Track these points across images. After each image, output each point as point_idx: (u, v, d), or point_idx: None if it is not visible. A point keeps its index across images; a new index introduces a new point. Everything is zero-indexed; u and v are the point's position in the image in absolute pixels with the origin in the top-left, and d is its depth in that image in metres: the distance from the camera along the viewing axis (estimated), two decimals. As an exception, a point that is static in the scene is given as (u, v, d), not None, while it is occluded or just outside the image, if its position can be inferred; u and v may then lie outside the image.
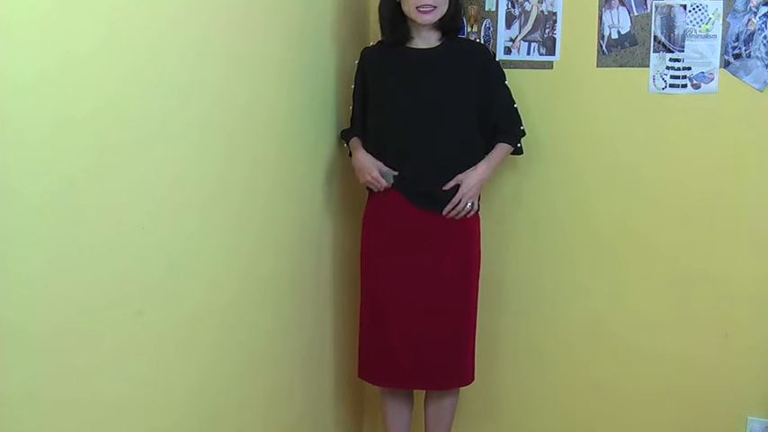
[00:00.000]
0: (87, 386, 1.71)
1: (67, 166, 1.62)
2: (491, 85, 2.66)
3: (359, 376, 2.77)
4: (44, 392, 1.60)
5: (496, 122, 2.67)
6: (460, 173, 2.60)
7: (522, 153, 2.74)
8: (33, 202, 1.55)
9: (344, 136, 2.77)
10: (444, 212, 2.58)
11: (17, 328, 1.53)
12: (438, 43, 2.65)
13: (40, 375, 1.59)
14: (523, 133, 2.72)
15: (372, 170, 2.60)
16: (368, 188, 2.70)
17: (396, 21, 2.63)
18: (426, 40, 2.65)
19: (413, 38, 2.65)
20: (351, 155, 2.76)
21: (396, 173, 2.60)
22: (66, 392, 1.66)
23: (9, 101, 1.48)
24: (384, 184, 2.60)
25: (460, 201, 2.58)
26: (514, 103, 2.70)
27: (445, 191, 2.58)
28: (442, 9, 2.57)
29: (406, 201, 2.60)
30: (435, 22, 2.62)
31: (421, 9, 2.54)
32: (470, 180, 2.58)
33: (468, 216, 2.61)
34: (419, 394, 2.87)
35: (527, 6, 2.83)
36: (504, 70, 2.74)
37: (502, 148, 2.67)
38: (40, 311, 1.58)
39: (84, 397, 1.71)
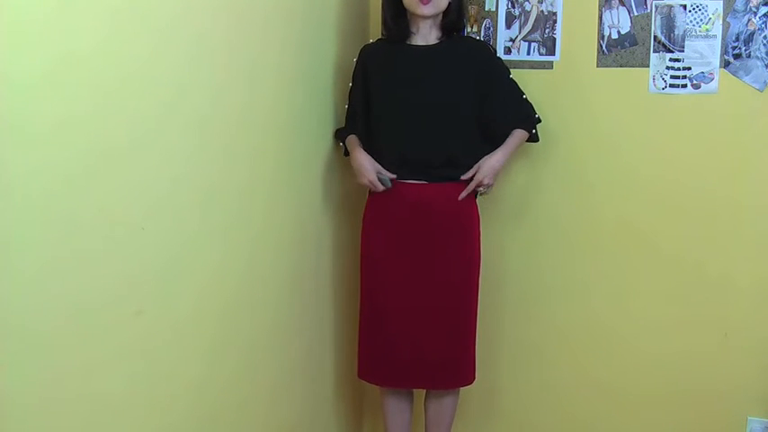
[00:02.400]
0: (87, 386, 1.71)
1: (67, 166, 1.62)
2: (494, 81, 2.66)
3: (359, 376, 2.77)
4: (44, 392, 1.60)
5: (508, 114, 2.67)
6: (460, 170, 2.61)
7: (539, 140, 2.74)
8: (33, 201, 1.55)
9: (339, 135, 2.77)
10: (459, 198, 2.62)
11: (17, 328, 1.53)
12: (438, 41, 2.65)
13: (40, 375, 1.59)
14: (539, 120, 2.73)
15: (371, 174, 2.61)
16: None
17: (397, 15, 2.63)
18: (426, 37, 2.65)
19: (413, 34, 2.65)
20: (345, 153, 2.76)
21: (394, 176, 2.61)
22: (66, 392, 1.66)
23: (9, 101, 1.48)
24: (380, 188, 2.61)
25: (476, 185, 2.63)
26: (523, 93, 2.70)
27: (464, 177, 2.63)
28: (442, 3, 2.56)
29: (406, 192, 2.60)
30: (438, 21, 2.62)
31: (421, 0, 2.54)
32: (486, 166, 2.62)
33: (483, 193, 2.67)
34: (419, 393, 2.87)
35: (527, 6, 2.83)
36: (505, 68, 2.75)
37: (518, 135, 2.68)
38: (40, 311, 1.58)
39: (85, 396, 1.71)
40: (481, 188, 2.65)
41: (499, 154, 2.64)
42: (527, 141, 2.74)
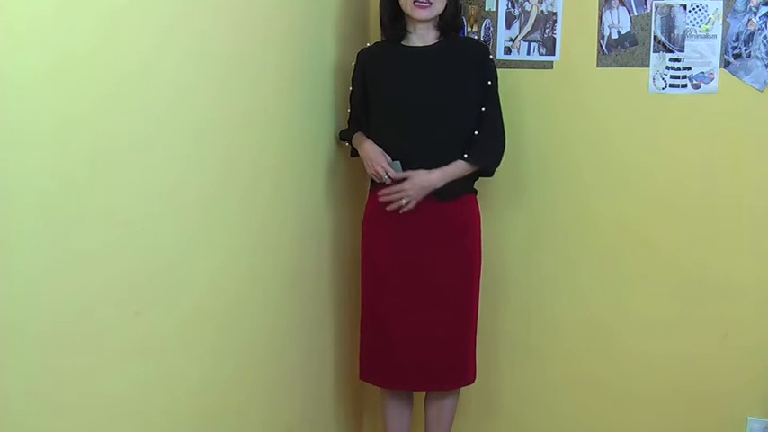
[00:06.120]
0: (87, 386, 1.71)
1: (67, 166, 1.62)
2: (484, 87, 2.63)
3: (360, 377, 2.77)
4: (44, 392, 1.60)
5: (477, 133, 2.62)
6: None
7: (492, 175, 2.67)
8: (33, 202, 1.55)
9: (344, 136, 2.77)
10: (379, 194, 2.58)
11: (17, 328, 1.53)
12: (435, 42, 2.65)
13: (40, 375, 1.59)
14: (494, 147, 2.63)
15: (381, 161, 2.59)
16: (371, 184, 2.70)
17: (394, 16, 2.63)
18: (423, 38, 2.64)
19: (410, 34, 2.65)
20: (352, 154, 2.76)
21: (400, 166, 2.59)
22: (66, 392, 1.66)
23: (9, 101, 1.48)
24: (393, 174, 2.60)
25: (399, 192, 2.55)
26: (490, 105, 2.61)
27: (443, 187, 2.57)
28: (438, 7, 2.56)
29: None
30: (435, 21, 2.62)
31: (417, 4, 2.54)
32: (417, 181, 2.55)
33: (398, 209, 2.57)
34: (419, 394, 2.86)
35: (527, 6, 2.83)
36: (505, 70, 2.74)
37: (459, 166, 2.59)
38: (40, 311, 1.58)
39: (85, 397, 1.71)
40: (402, 200, 2.56)
41: (436, 174, 2.55)
42: (481, 175, 2.66)
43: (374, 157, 2.61)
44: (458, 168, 2.59)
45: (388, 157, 2.60)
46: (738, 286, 2.68)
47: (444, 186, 2.57)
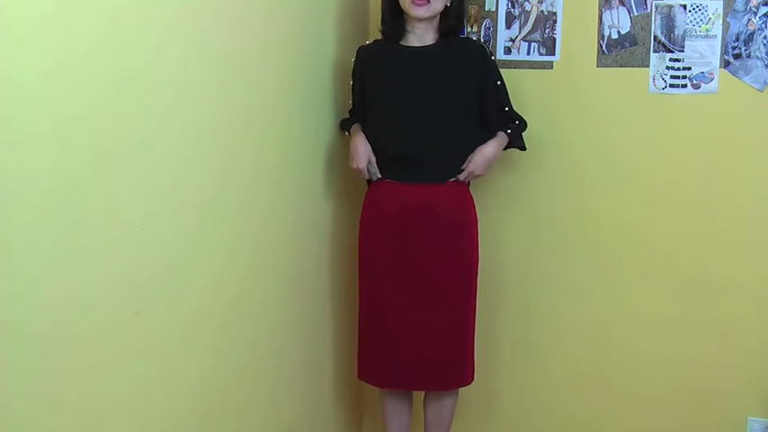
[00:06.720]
0: (87, 386, 1.71)
1: (67, 166, 1.62)
2: (487, 84, 2.64)
3: (358, 377, 2.77)
4: (44, 392, 1.60)
5: (494, 122, 2.67)
6: (454, 170, 2.62)
7: (526, 149, 2.74)
8: (33, 202, 1.55)
9: (345, 126, 2.78)
10: (461, 178, 2.64)
11: (17, 328, 1.53)
12: (433, 42, 2.64)
13: (40, 375, 1.59)
14: (522, 126, 2.71)
15: (361, 161, 2.63)
16: (368, 182, 2.72)
17: (394, 14, 2.63)
18: (422, 38, 2.64)
19: (408, 33, 2.65)
20: None
21: (380, 176, 2.64)
22: (66, 392, 1.66)
23: (9, 101, 1.48)
24: (365, 177, 2.65)
25: (469, 174, 2.64)
26: (506, 106, 2.68)
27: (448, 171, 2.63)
28: (437, 6, 2.56)
29: (403, 191, 2.61)
30: (435, 23, 2.61)
31: (415, 2, 2.54)
32: (479, 157, 2.63)
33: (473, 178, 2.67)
34: (418, 394, 2.87)
35: (527, 6, 2.83)
36: (504, 70, 2.74)
37: (503, 137, 2.68)
38: (40, 311, 1.58)
39: (84, 396, 1.71)
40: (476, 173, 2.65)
41: (492, 145, 2.64)
42: (514, 147, 2.73)
43: (358, 154, 2.64)
44: (503, 139, 2.69)
45: (373, 159, 2.62)
46: (738, 286, 2.68)
47: (436, 167, 2.61)
